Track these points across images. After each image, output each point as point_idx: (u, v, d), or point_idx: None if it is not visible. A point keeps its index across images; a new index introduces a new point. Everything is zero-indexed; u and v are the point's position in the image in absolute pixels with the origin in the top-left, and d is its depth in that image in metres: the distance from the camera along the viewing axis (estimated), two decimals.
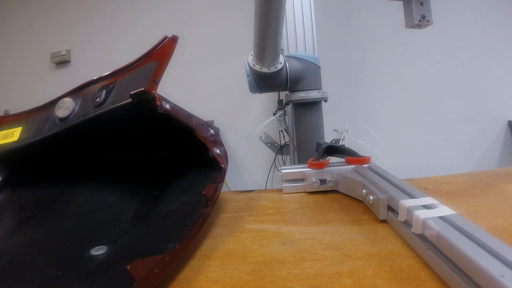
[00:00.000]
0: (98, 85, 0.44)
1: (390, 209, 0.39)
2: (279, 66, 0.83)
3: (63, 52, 1.92)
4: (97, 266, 0.34)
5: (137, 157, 0.55)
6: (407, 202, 0.34)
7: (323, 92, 0.90)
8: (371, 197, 0.42)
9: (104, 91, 0.42)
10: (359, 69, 1.64)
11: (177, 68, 1.61)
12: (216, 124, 0.85)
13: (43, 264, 0.35)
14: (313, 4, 1.01)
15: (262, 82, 0.86)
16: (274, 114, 1.13)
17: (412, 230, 0.32)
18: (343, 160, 0.59)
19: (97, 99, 0.42)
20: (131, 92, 0.37)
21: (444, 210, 0.32)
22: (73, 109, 0.44)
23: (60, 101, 0.45)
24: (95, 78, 0.45)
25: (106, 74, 0.44)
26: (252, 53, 0.81)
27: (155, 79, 0.38)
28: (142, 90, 0.37)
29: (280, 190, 0.57)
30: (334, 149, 0.61)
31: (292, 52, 0.99)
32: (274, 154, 1.48)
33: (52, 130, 0.45)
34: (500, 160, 1.59)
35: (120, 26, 1.87)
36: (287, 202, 0.51)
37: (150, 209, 0.45)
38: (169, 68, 0.41)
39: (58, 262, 0.36)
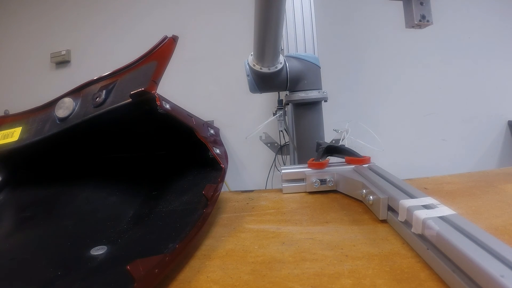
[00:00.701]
0: (98, 85, 0.44)
1: (390, 209, 0.39)
2: (279, 66, 0.83)
3: (63, 52, 1.92)
4: (97, 266, 0.34)
5: (137, 157, 0.55)
6: (407, 202, 0.34)
7: (323, 92, 0.90)
8: (371, 197, 0.42)
9: (104, 91, 0.42)
10: (359, 69, 1.64)
11: (177, 68, 1.61)
12: (216, 124, 0.85)
13: (43, 264, 0.35)
14: (313, 4, 1.01)
15: (262, 82, 0.86)
16: (274, 114, 1.13)
17: (412, 230, 0.32)
18: (343, 160, 0.59)
19: (97, 99, 0.42)
20: (131, 92, 0.37)
21: (444, 210, 0.31)
22: (73, 109, 0.44)
23: (60, 101, 0.45)
24: (95, 78, 0.45)
25: (106, 74, 0.44)
26: (252, 53, 0.82)
27: (155, 79, 0.38)
28: (142, 90, 0.37)
29: (280, 190, 0.57)
30: (334, 149, 0.61)
31: (292, 52, 0.99)
32: (274, 154, 1.48)
33: (52, 130, 0.45)
34: (500, 160, 1.59)
35: (120, 26, 1.87)
36: (287, 202, 0.51)
37: (150, 209, 0.45)
38: (169, 68, 0.41)
39: (58, 262, 0.36)
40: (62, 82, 1.89)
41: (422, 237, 0.31)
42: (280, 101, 1.13)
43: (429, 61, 1.59)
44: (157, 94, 0.39)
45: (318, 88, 0.90)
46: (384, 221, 0.40)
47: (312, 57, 0.90)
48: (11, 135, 0.49)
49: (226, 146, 0.54)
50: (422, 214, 0.31)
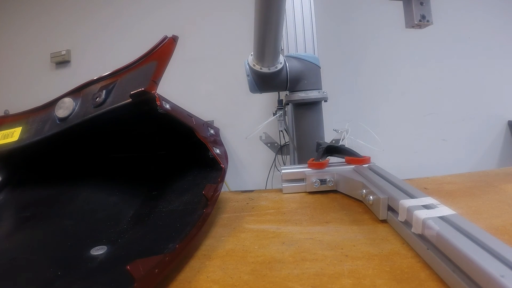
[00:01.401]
0: (98, 85, 0.44)
1: (390, 209, 0.39)
2: (279, 66, 0.83)
3: (63, 52, 1.92)
4: (97, 266, 0.34)
5: (137, 157, 0.55)
6: (407, 202, 0.34)
7: (323, 92, 0.90)
8: (371, 197, 0.42)
9: (104, 91, 0.42)
10: (359, 69, 1.64)
11: (177, 68, 1.61)
12: (216, 124, 0.84)
13: (43, 264, 0.35)
14: (313, 4, 1.01)
15: (262, 82, 0.86)
16: (274, 114, 1.13)
17: (412, 230, 0.32)
18: (343, 160, 0.59)
19: (97, 99, 0.42)
20: (131, 92, 0.37)
21: (444, 210, 0.31)
22: (73, 109, 0.44)
23: (60, 101, 0.45)
24: (95, 78, 0.45)
25: (106, 74, 0.44)
26: (252, 53, 0.82)
27: (155, 79, 0.38)
28: (142, 90, 0.37)
29: (280, 190, 0.57)
30: (334, 149, 0.61)
31: (292, 52, 0.99)
32: (274, 154, 1.48)
33: (52, 130, 0.45)
34: (500, 160, 1.59)
35: (120, 26, 1.87)
36: (287, 202, 0.51)
37: (150, 209, 0.45)
38: (169, 68, 0.41)
39: (58, 262, 0.36)
40: (62, 82, 1.89)
41: (422, 237, 0.31)
42: (280, 101, 1.13)
43: (429, 61, 1.59)
44: (157, 94, 0.39)
45: (318, 88, 0.90)
46: (384, 221, 0.40)
47: (312, 57, 0.90)
48: (11, 135, 0.49)
49: (226, 146, 0.54)
50: (422, 214, 0.31)
